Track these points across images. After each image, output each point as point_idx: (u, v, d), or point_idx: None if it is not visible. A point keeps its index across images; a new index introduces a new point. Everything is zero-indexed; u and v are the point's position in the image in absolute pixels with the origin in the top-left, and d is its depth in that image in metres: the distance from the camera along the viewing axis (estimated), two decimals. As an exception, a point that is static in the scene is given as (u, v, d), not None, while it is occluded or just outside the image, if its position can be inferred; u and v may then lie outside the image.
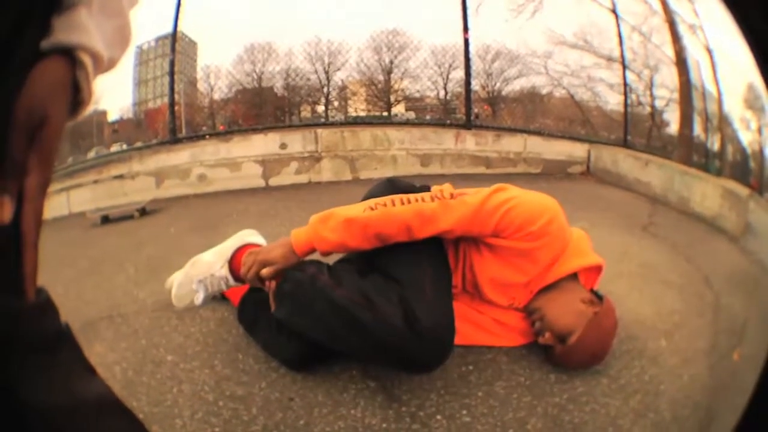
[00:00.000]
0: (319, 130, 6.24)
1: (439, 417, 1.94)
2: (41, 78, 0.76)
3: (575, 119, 8.98)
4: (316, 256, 2.13)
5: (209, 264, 2.34)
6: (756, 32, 1.10)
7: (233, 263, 2.35)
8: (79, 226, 4.66)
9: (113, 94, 6.70)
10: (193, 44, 6.82)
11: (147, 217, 4.75)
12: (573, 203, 4.63)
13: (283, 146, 6.03)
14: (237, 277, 2.31)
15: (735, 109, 8.38)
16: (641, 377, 2.37)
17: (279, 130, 6.39)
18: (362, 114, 8.28)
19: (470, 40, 7.21)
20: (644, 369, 2.43)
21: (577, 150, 7.76)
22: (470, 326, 2.29)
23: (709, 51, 8.73)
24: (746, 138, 8.69)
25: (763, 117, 8.30)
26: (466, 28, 7.11)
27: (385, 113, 8.30)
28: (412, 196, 2.10)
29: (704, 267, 4.19)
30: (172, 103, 6.30)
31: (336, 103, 8.33)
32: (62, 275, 3.34)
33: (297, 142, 6.12)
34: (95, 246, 4.09)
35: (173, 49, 6.39)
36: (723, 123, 9.09)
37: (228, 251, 2.37)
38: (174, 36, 6.41)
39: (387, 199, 2.09)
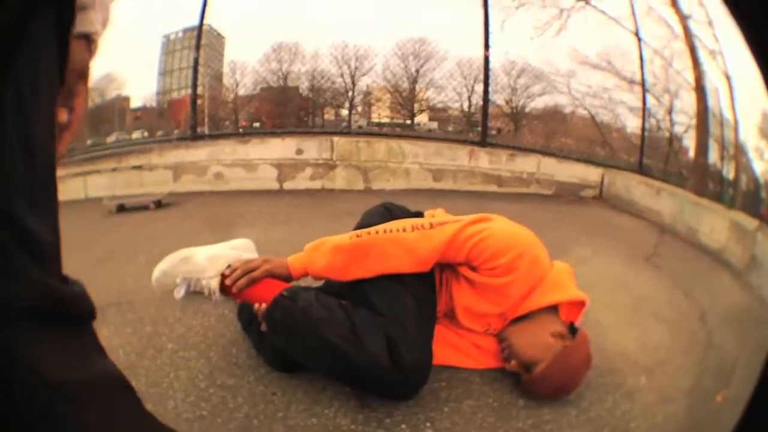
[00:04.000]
0: (335, 139, 6.38)
1: (403, 426, 2.05)
2: (81, 50, 1.14)
3: (595, 140, 9.09)
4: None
5: (201, 267, 2.30)
6: (756, 31, 1.14)
7: (226, 278, 2.26)
8: (95, 212, 4.76)
9: (138, 81, 6.89)
10: (220, 38, 6.97)
11: (162, 210, 4.86)
12: (580, 228, 4.97)
13: (299, 152, 6.18)
14: (227, 293, 2.28)
15: (750, 137, 8.46)
16: (613, 412, 2.39)
17: (296, 135, 6.48)
18: (386, 120, 8.43)
19: (491, 58, 7.35)
20: (617, 404, 2.45)
21: (591, 174, 7.82)
22: (449, 349, 2.42)
23: (728, 77, 8.81)
24: (759, 168, 8.75)
25: None
26: (487, 46, 7.26)
27: (408, 121, 8.46)
28: (395, 225, 2.26)
29: (702, 302, 4.24)
30: (194, 100, 6.41)
31: (360, 108, 8.44)
32: (75, 260, 3.29)
33: (313, 148, 6.26)
34: (110, 234, 4.21)
35: (197, 47, 6.50)
36: (738, 151, 9.16)
37: (222, 264, 2.31)
38: (199, 32, 6.53)
39: (372, 228, 2.26)
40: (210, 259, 2.31)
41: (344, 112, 8.45)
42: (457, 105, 8.58)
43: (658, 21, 8.93)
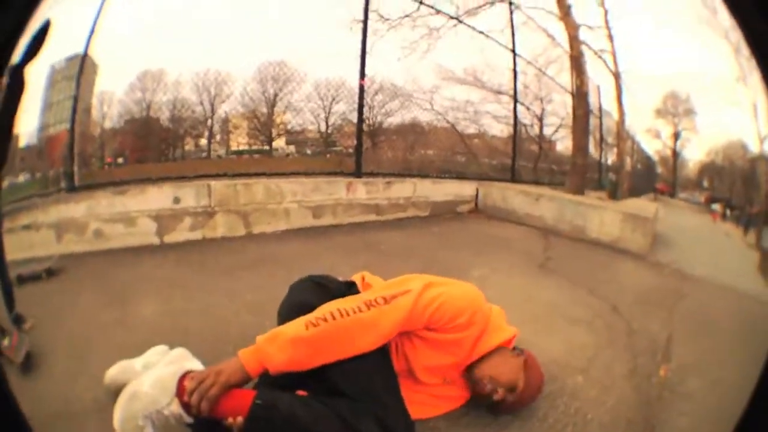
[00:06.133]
0: (212, 183, 6.53)
1: None
2: None
3: (458, 151, 10.09)
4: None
5: (152, 398, 2.28)
6: (755, 32, 1.25)
7: (182, 396, 2.29)
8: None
9: (27, 117, 6.48)
10: (94, 67, 6.81)
11: (53, 279, 4.73)
12: (468, 246, 5.33)
13: (176, 200, 6.27)
14: (192, 412, 2.27)
15: (639, 123, 9.59)
16: (567, 412, 3.06)
17: (172, 182, 6.54)
18: (244, 148, 8.84)
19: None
20: (568, 405, 3.13)
21: (465, 189, 8.60)
22: (412, 405, 2.61)
23: (617, 75, 9.85)
24: (653, 147, 10.03)
25: (685, 121, 9.58)
26: (362, 75, 7.87)
27: (266, 147, 8.93)
28: (348, 306, 2.48)
29: (610, 296, 4.83)
30: (72, 142, 6.39)
31: (218, 137, 8.74)
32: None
33: (190, 196, 6.37)
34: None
35: (78, 83, 6.45)
36: (621, 139, 10.26)
37: (171, 383, 2.33)
38: (83, 61, 6.48)
39: (326, 312, 2.45)
40: (156, 384, 2.32)
41: (203, 141, 8.72)
42: (314, 127, 9.14)
43: (536, 31, 9.77)
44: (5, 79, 1.24)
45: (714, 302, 5.49)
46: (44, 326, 3.80)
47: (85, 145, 6.97)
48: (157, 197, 6.20)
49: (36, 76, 6.46)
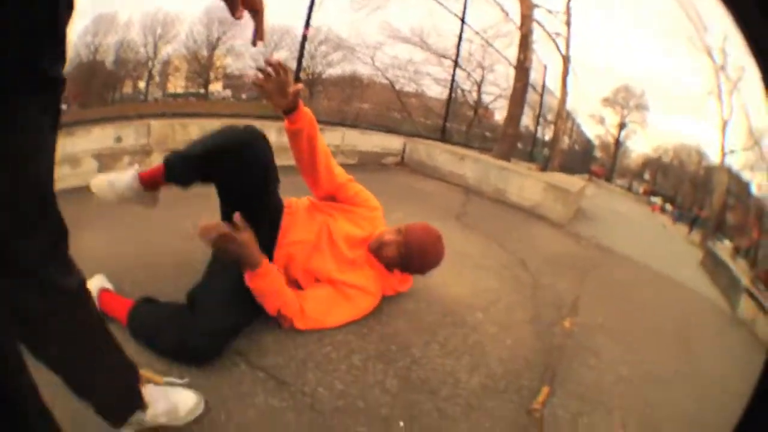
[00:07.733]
0: (152, 122, 6.55)
1: (320, 389, 2.68)
2: None
3: (393, 107, 10.46)
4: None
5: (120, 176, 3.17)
6: (755, 32, 1.22)
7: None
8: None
9: None
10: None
11: None
12: (390, 194, 5.52)
13: (118, 140, 6.21)
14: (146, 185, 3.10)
15: (584, 108, 10.08)
16: (466, 342, 3.44)
17: (117, 122, 6.43)
18: (180, 91, 8.87)
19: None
20: (467, 336, 3.52)
21: (393, 142, 8.98)
22: (323, 302, 3.23)
23: (566, 59, 10.31)
24: (594, 131, 10.55)
25: (635, 115, 10.18)
26: (307, 24, 8.04)
27: (202, 90, 9.00)
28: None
29: (520, 252, 5.22)
30: None
31: (157, 79, 8.69)
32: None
33: (131, 135, 6.35)
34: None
35: None
36: (560, 118, 10.75)
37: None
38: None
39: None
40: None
41: (141, 84, 8.62)
42: (253, 72, 9.07)
43: (492, 5, 10.34)
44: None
45: (634, 278, 5.99)
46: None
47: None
48: (101, 137, 6.19)
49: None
